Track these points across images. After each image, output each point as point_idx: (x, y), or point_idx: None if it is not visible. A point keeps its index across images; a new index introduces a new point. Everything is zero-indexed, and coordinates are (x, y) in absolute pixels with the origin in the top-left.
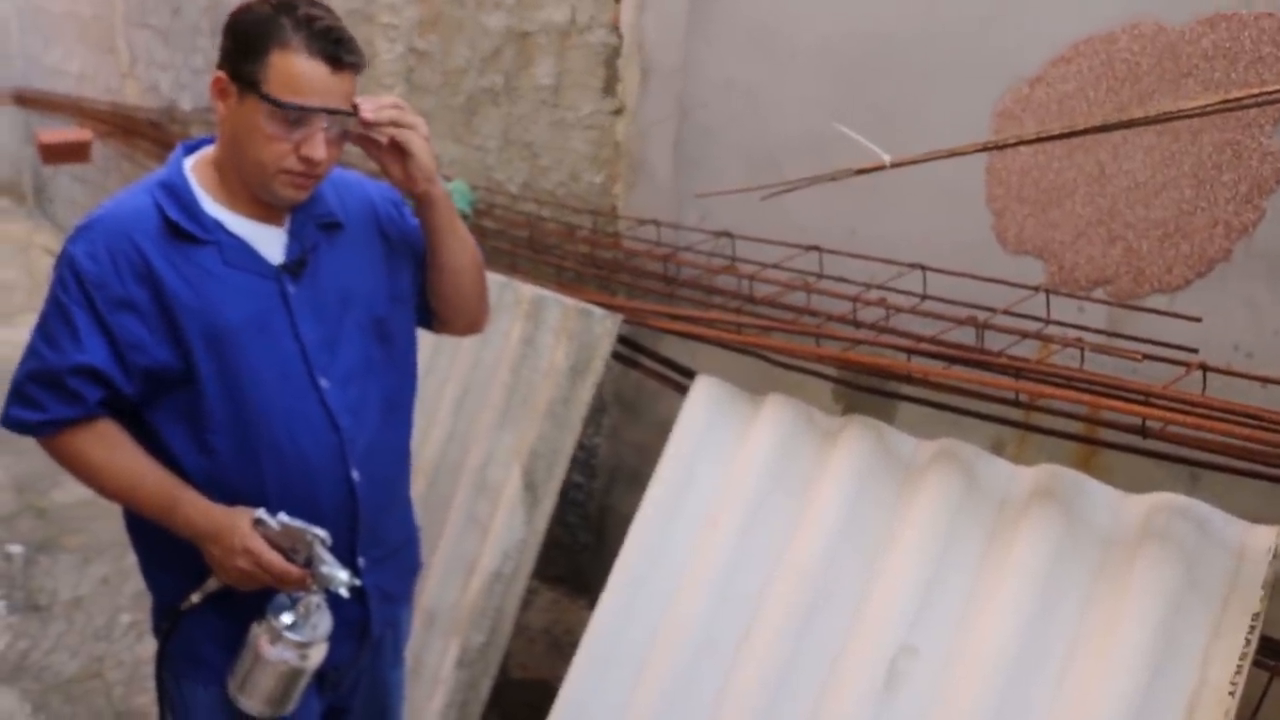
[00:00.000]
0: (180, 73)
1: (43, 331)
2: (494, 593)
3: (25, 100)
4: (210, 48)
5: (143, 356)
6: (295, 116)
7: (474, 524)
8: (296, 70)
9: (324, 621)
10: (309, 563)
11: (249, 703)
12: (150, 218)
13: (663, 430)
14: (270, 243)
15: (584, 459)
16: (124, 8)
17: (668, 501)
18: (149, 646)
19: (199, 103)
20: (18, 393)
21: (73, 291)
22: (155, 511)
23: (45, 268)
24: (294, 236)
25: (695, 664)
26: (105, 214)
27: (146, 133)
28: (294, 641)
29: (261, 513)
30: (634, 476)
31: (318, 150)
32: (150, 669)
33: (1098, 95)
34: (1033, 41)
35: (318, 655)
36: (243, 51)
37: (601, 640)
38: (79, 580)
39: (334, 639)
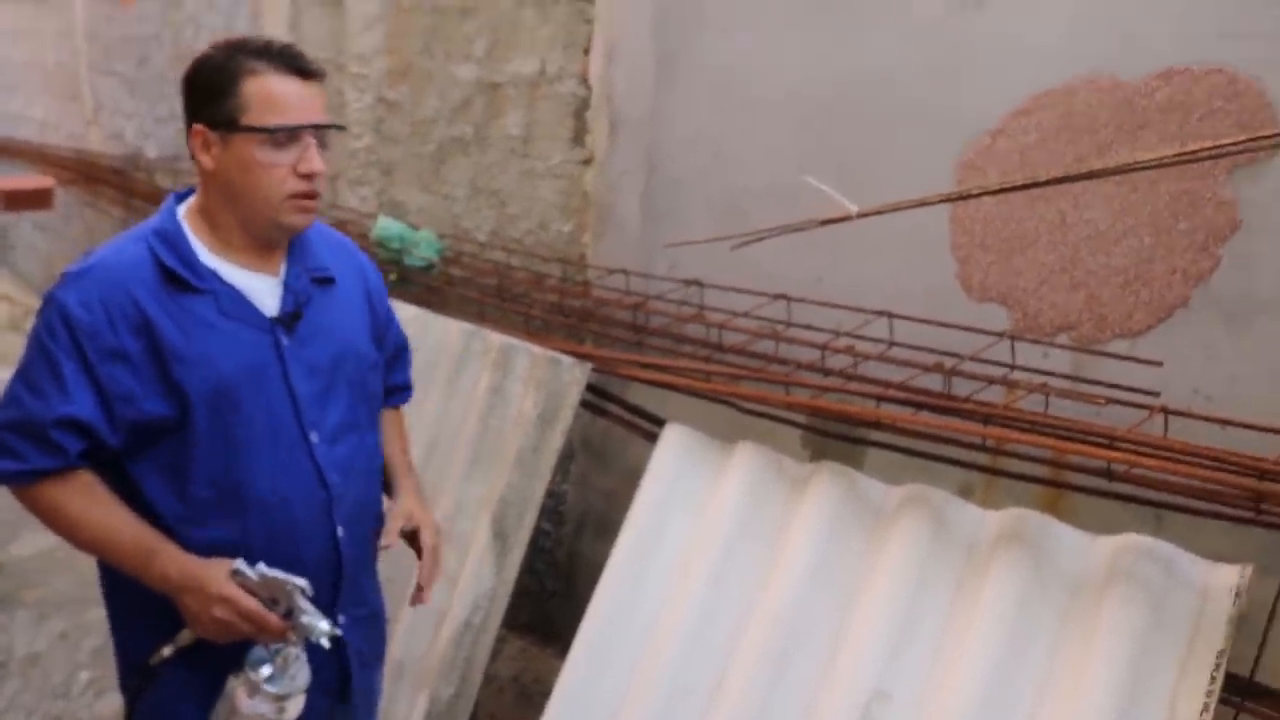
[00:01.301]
0: (145, 121)
1: (25, 380)
2: (463, 643)
3: None
4: (175, 96)
5: (131, 409)
6: (284, 137)
7: (443, 575)
8: (273, 91)
9: (302, 673)
10: (289, 614)
11: None
12: (146, 267)
13: (631, 477)
14: (264, 293)
15: (552, 506)
16: (89, 56)
17: (639, 549)
18: (109, 704)
19: (164, 150)
20: None
21: (61, 340)
22: (131, 564)
23: (3, 316)
24: (288, 289)
25: (669, 712)
26: (99, 263)
27: (110, 180)
28: (272, 694)
29: (239, 563)
30: (602, 523)
31: (315, 163)
32: None
33: (1057, 146)
34: (993, 94)
35: (295, 709)
36: (214, 96)
37: (574, 689)
38: (35, 636)
39: (311, 700)
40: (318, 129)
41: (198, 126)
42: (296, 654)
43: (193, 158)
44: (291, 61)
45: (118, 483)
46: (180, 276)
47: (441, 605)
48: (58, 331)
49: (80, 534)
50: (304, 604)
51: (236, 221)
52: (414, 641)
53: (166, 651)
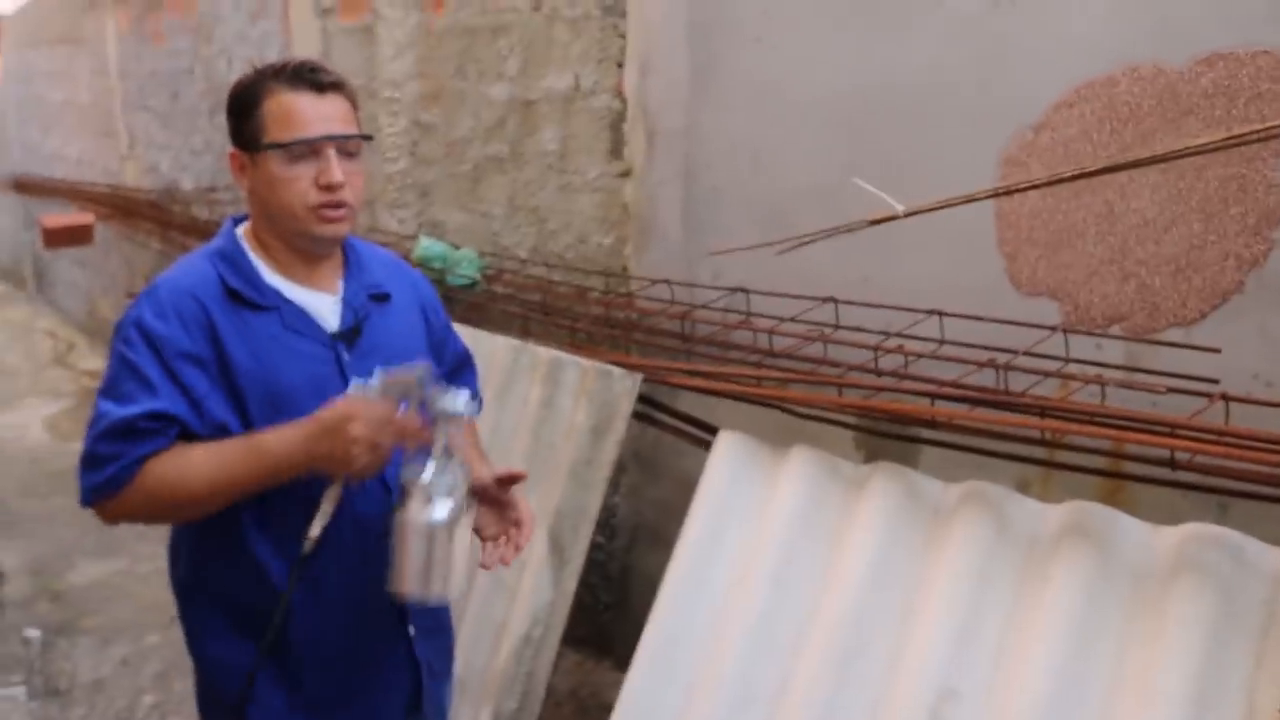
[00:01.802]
0: (180, 153)
1: (111, 395)
2: (524, 657)
3: (23, 187)
4: (209, 128)
5: (209, 410)
6: (303, 151)
7: (501, 588)
8: (286, 107)
9: (460, 468)
10: (422, 407)
11: (435, 589)
12: (213, 283)
13: (682, 487)
14: (325, 311)
15: (604, 519)
16: (122, 93)
17: (698, 557)
18: None
19: (200, 182)
20: (90, 459)
21: (141, 350)
22: (258, 474)
23: (47, 352)
24: (347, 305)
25: (734, 718)
26: (168, 279)
27: (146, 213)
28: (445, 492)
29: (354, 383)
30: (655, 535)
31: (333, 174)
32: None
33: (1101, 138)
34: (1035, 88)
35: (464, 507)
36: (241, 119)
37: (637, 700)
38: (98, 662)
39: (387, 714)
40: (336, 140)
41: (232, 150)
42: (443, 448)
43: (235, 181)
44: (305, 76)
45: None
46: (244, 295)
47: (501, 619)
48: (136, 343)
49: (196, 488)
50: (433, 388)
51: (278, 239)
52: (475, 656)
53: (315, 531)
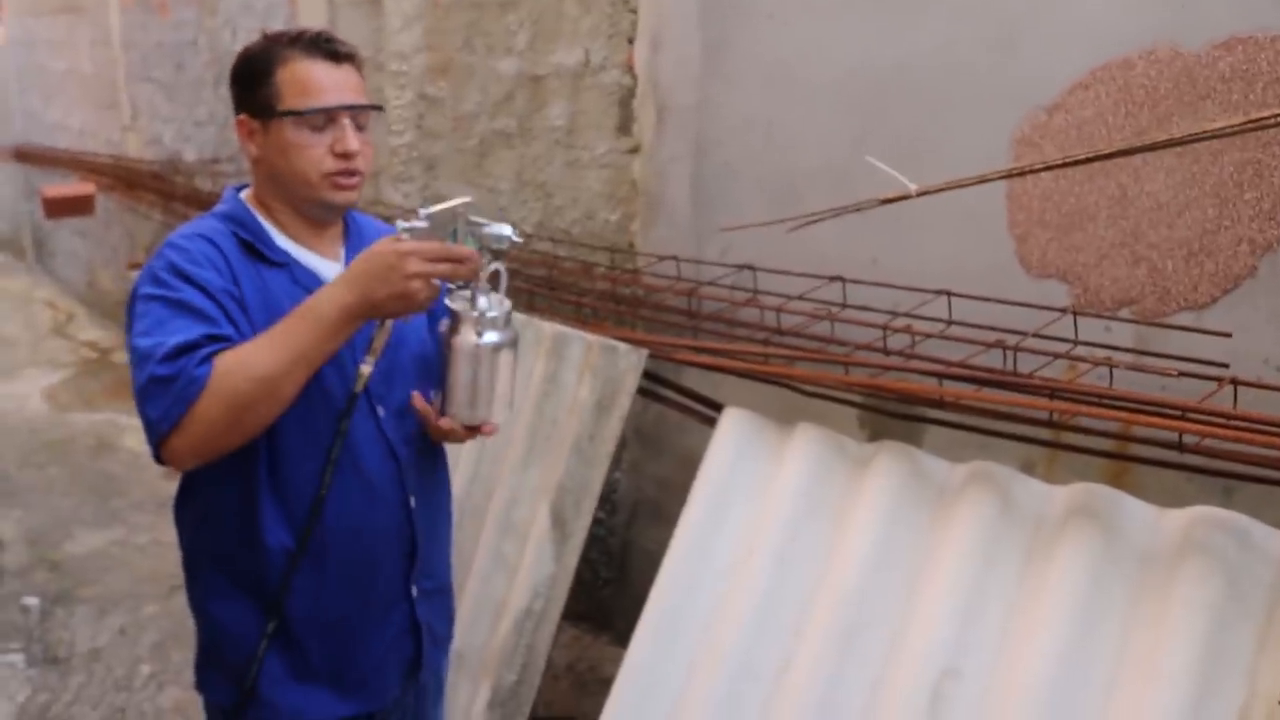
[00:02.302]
0: (184, 125)
1: (158, 332)
2: (524, 630)
3: (25, 156)
4: (214, 99)
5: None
6: (319, 119)
7: (502, 563)
8: (303, 75)
9: (502, 301)
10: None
11: (480, 413)
12: (228, 236)
13: (684, 464)
14: (330, 275)
15: (605, 494)
16: (126, 64)
17: (700, 534)
18: (170, 696)
19: (203, 153)
20: (152, 383)
21: (184, 289)
22: (319, 334)
23: (46, 322)
24: None
25: (735, 695)
26: (184, 233)
27: (149, 185)
28: (496, 318)
29: (400, 224)
30: (656, 511)
31: (350, 143)
32: None
33: (1116, 120)
34: (1050, 70)
35: (509, 334)
36: (252, 86)
37: (637, 674)
38: (96, 631)
39: (384, 679)
40: (352, 110)
41: (242, 117)
42: (486, 279)
43: (242, 148)
44: (322, 46)
45: None
46: (258, 248)
47: (502, 593)
48: (174, 284)
49: (269, 370)
50: (478, 218)
51: (286, 204)
52: (475, 630)
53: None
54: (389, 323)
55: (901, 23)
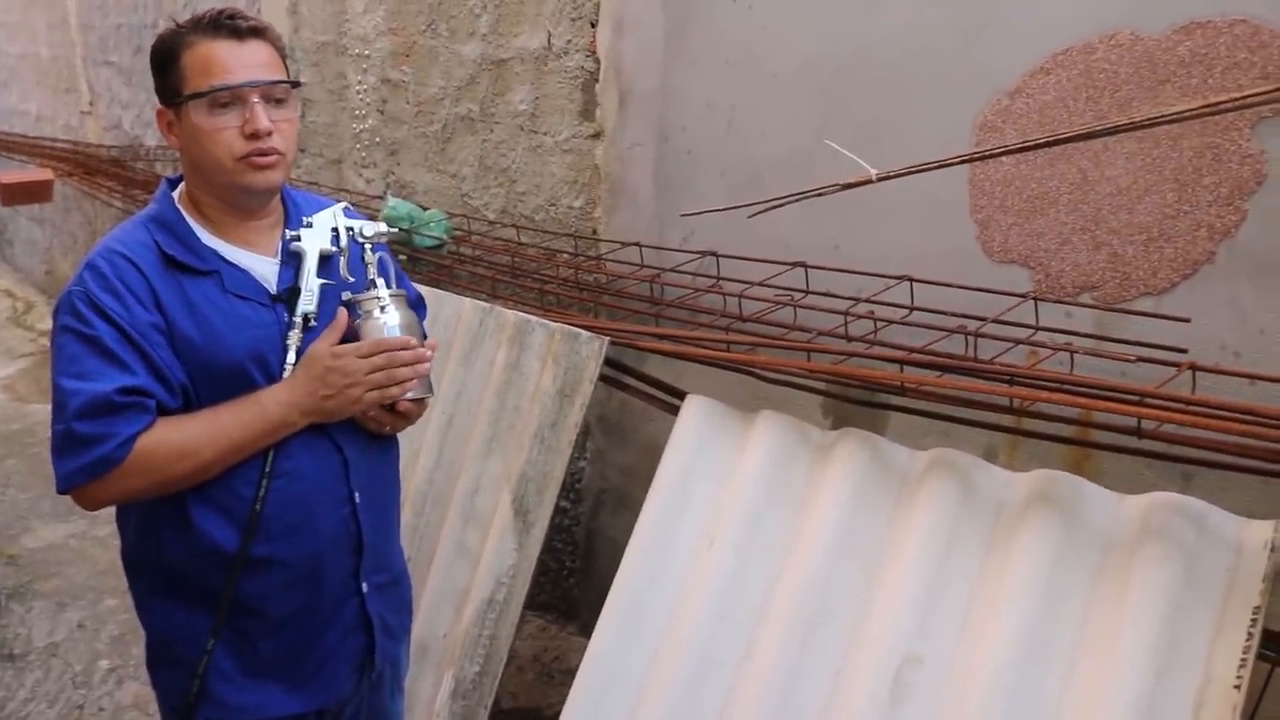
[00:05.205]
0: (144, 110)
1: (72, 373)
2: (487, 621)
3: None
4: None
5: (176, 376)
6: (226, 99)
7: (464, 553)
8: (204, 56)
9: (395, 288)
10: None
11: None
12: (150, 250)
13: (648, 452)
14: (265, 272)
15: (569, 483)
16: (84, 47)
17: (663, 522)
18: (129, 692)
19: (163, 139)
20: (69, 440)
21: (98, 324)
22: (257, 436)
23: (4, 311)
24: (286, 265)
25: (697, 683)
26: (106, 250)
27: (108, 171)
28: (389, 303)
29: (344, 296)
30: (620, 500)
31: (259, 121)
32: (132, 716)
33: (1077, 105)
34: (1011, 54)
35: (408, 314)
36: (163, 74)
37: (600, 663)
38: (54, 626)
39: (336, 672)
40: (259, 86)
41: (159, 108)
42: (377, 268)
43: (167, 142)
44: (224, 24)
45: None
46: (182, 260)
47: (463, 584)
48: (89, 318)
49: (198, 457)
50: (352, 221)
51: (212, 196)
52: (437, 621)
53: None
54: (298, 319)
55: (864, 7)
